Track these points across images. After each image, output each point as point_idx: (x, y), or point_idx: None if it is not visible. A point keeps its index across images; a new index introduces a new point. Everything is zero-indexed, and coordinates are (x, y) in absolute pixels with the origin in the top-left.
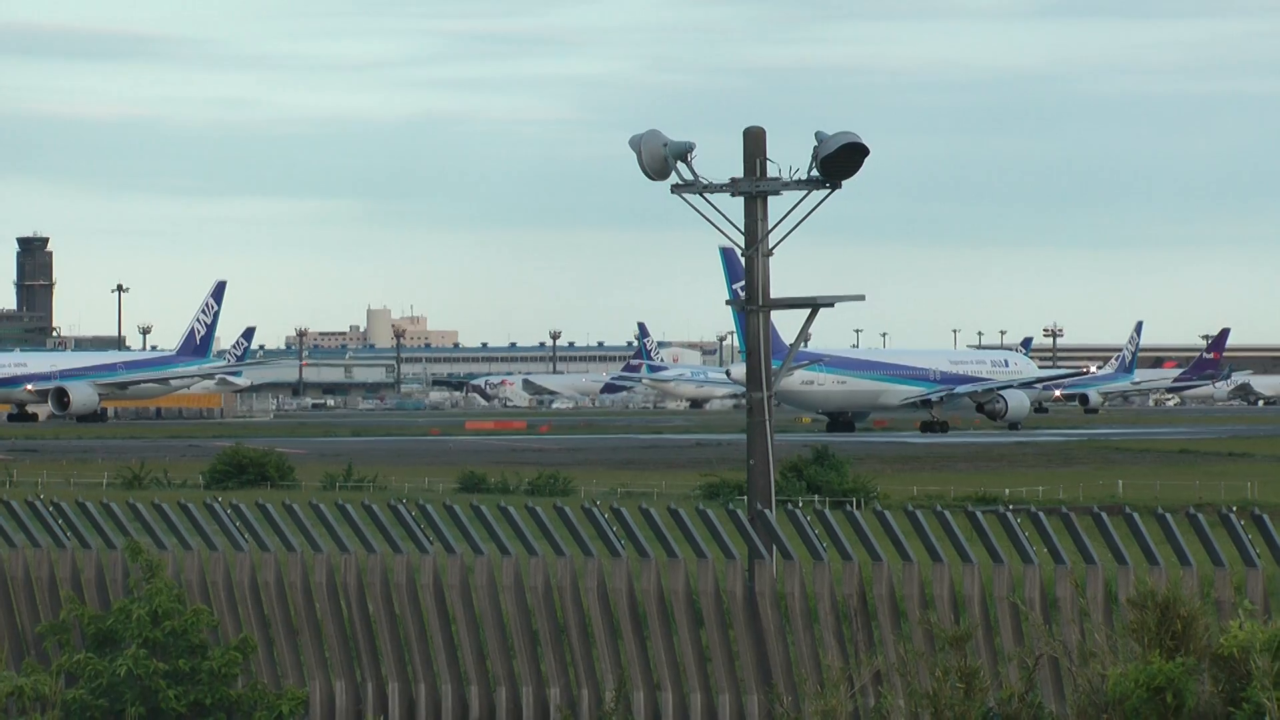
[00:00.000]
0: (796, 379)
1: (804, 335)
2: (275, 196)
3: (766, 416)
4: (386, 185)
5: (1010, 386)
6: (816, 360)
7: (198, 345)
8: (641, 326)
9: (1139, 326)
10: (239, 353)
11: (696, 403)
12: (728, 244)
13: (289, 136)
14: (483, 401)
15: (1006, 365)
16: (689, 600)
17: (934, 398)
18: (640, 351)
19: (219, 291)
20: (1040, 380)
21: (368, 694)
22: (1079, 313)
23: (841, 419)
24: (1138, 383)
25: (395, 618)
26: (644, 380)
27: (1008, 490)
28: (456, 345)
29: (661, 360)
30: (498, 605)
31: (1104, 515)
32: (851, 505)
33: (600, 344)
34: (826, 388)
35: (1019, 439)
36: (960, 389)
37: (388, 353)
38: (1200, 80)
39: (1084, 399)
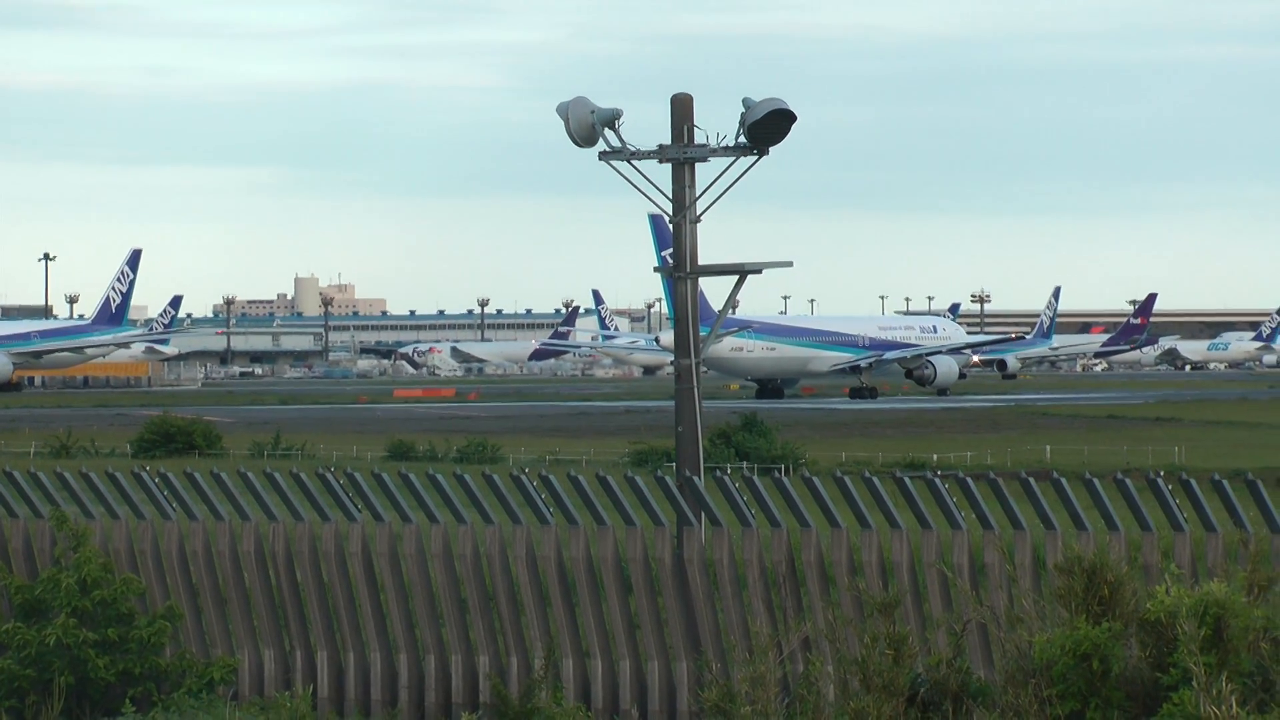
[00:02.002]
0: (725, 346)
1: (732, 302)
2: (204, 165)
3: (695, 383)
4: (315, 153)
5: (939, 352)
6: (745, 327)
7: (113, 314)
8: (595, 294)
9: (1057, 292)
10: (166, 321)
11: (649, 369)
12: (656, 211)
13: (217, 104)
14: (411, 369)
15: (935, 331)
16: (618, 567)
17: (863, 364)
18: (598, 320)
19: (134, 260)
20: (968, 346)
21: (296, 662)
22: (1007, 279)
23: (770, 385)
24: (1056, 348)
25: (324, 586)
26: (598, 348)
27: (936, 456)
28: (385, 313)
29: (608, 327)
30: (426, 573)
31: (1032, 480)
32: (780, 472)
33: (528, 311)
34: (755, 354)
35: (947, 405)
36: (889, 355)
37: (316, 321)
38: (1129, 47)
39: (1002, 365)
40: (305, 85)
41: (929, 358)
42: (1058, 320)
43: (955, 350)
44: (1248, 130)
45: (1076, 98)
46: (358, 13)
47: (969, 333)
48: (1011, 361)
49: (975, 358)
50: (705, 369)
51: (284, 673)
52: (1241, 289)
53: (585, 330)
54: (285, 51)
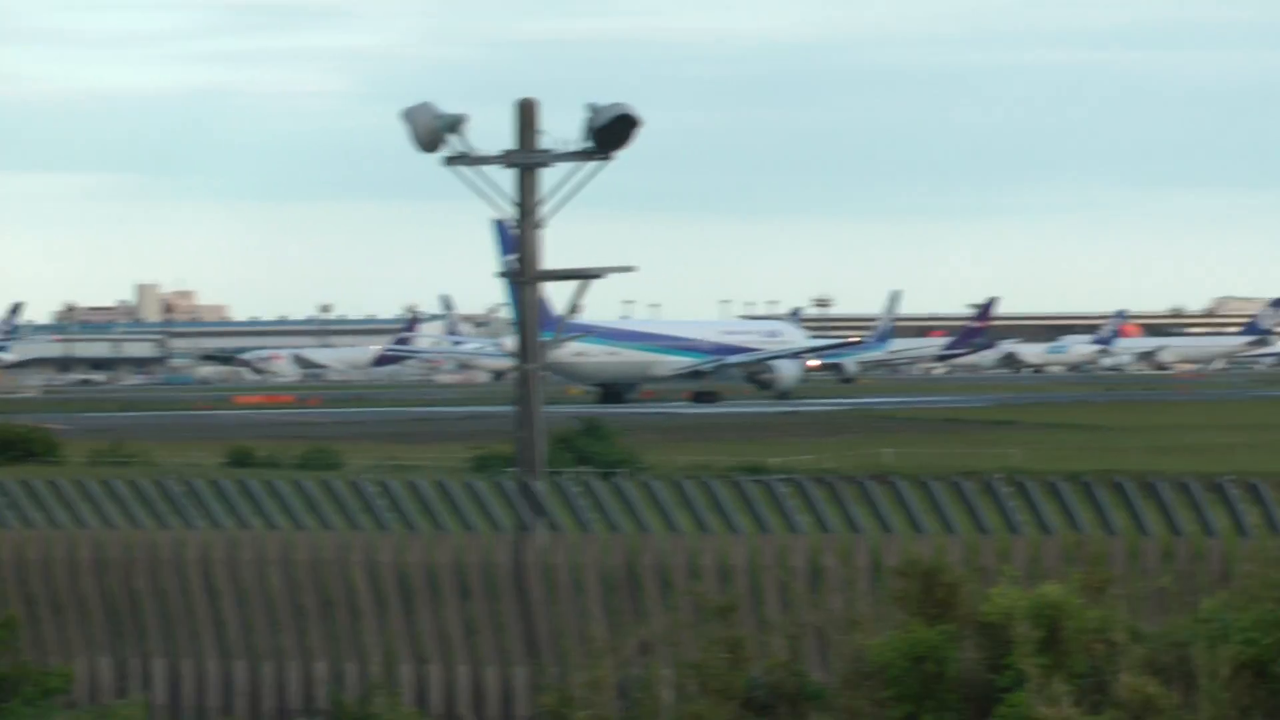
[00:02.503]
0: (568, 351)
1: (574, 307)
2: (45, 171)
3: (535, 388)
4: (158, 159)
5: (780, 357)
6: (588, 332)
7: None
8: (444, 299)
9: (895, 296)
10: (6, 328)
11: (498, 374)
12: (500, 216)
13: (58, 111)
14: (252, 376)
15: (777, 335)
16: (456, 573)
17: (705, 368)
18: (447, 325)
19: None
20: (809, 350)
21: (133, 670)
22: (850, 283)
23: (613, 390)
24: (894, 352)
25: (162, 594)
26: (445, 354)
27: (775, 460)
28: (226, 320)
29: (457, 333)
30: (264, 580)
31: (870, 484)
32: (620, 476)
33: (371, 317)
34: (598, 359)
35: (788, 409)
36: (731, 359)
37: (157, 327)
38: (971, 51)
39: (840, 368)
40: (147, 91)
41: (770, 362)
42: (899, 324)
43: (796, 354)
44: (1088, 134)
45: (919, 102)
46: (199, 19)
47: (810, 337)
48: (850, 365)
49: (814, 361)
50: (548, 374)
51: (120, 681)
52: (1081, 293)
53: (428, 336)
54: (127, 58)
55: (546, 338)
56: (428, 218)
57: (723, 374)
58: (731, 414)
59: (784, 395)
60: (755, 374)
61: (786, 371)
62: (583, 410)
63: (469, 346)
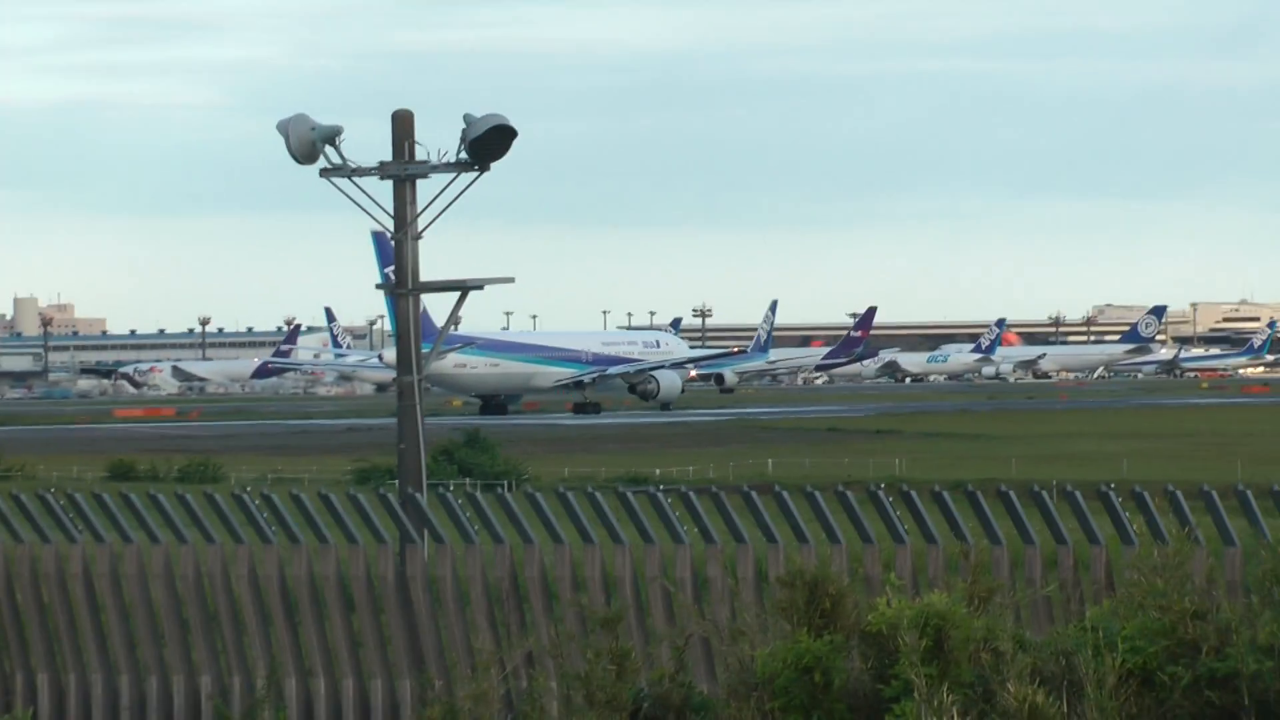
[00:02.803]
0: (449, 362)
1: (454, 318)
2: None
3: (417, 400)
4: (31, 173)
5: (662, 367)
6: (469, 343)
7: None
8: (328, 311)
9: (774, 305)
10: None
11: (382, 387)
12: (379, 228)
13: None
14: (132, 389)
15: (658, 346)
16: (340, 586)
17: (586, 379)
18: (330, 337)
19: None
20: (690, 360)
21: (17, 685)
22: (730, 292)
23: (494, 401)
24: (774, 362)
25: (44, 608)
26: (329, 366)
27: (659, 470)
28: (105, 333)
29: (341, 344)
30: (148, 594)
31: (754, 494)
32: (503, 488)
33: (250, 330)
34: (479, 370)
35: (670, 419)
36: (612, 370)
37: (35, 341)
38: (848, 60)
39: (719, 379)
40: (18, 104)
41: (652, 373)
42: (778, 334)
43: (678, 365)
44: (965, 143)
45: (794, 111)
46: (70, 31)
47: (692, 347)
48: (729, 375)
49: (693, 372)
50: (429, 386)
51: (5, 695)
52: (961, 301)
53: (308, 348)
54: None
55: (427, 349)
56: (307, 230)
57: (604, 385)
58: (614, 425)
59: (666, 406)
60: (637, 384)
61: (668, 382)
62: (465, 422)
63: (352, 359)
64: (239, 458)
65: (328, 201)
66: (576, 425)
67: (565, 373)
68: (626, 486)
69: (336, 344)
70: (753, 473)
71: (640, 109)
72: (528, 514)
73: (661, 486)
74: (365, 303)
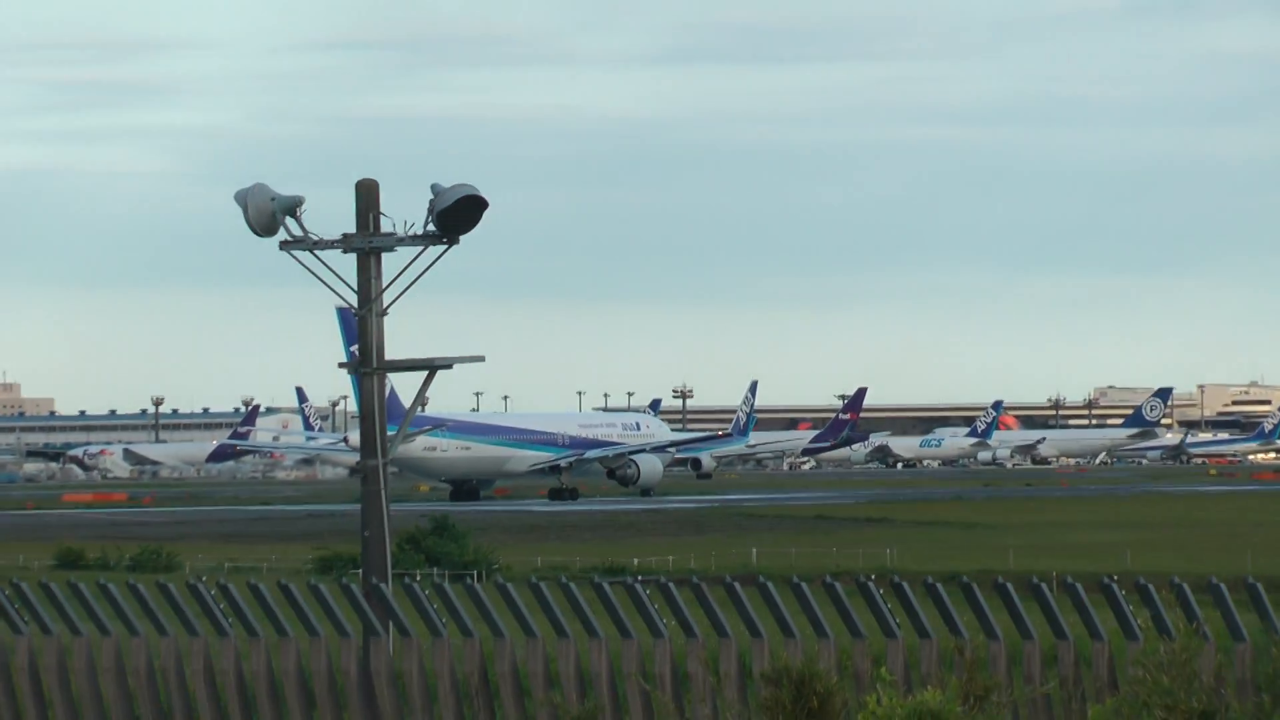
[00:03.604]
0: (418, 445)
1: (421, 398)
2: None
3: (382, 485)
4: None
5: (642, 450)
6: (439, 425)
7: None
8: (299, 391)
9: (753, 386)
10: None
11: (355, 470)
12: (343, 304)
13: None
14: (81, 473)
15: (638, 428)
16: (300, 681)
17: (563, 463)
18: (301, 419)
19: None
20: (673, 444)
21: None
22: (711, 373)
23: (466, 487)
24: (753, 445)
25: None
26: (294, 450)
27: (636, 560)
28: (53, 414)
29: (312, 427)
30: (97, 689)
31: (737, 585)
32: (472, 578)
33: (206, 410)
34: (450, 454)
35: (649, 506)
36: (590, 454)
37: None
38: (833, 128)
39: (696, 463)
40: None
41: (632, 456)
42: (764, 416)
43: (660, 448)
44: (958, 214)
45: (779, 181)
46: (19, 96)
47: (672, 430)
48: (706, 460)
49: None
50: (397, 469)
51: None
52: (956, 383)
53: (267, 429)
54: None
55: (394, 431)
56: (267, 306)
57: (581, 469)
58: (591, 511)
59: (647, 491)
60: (616, 469)
61: (649, 467)
62: (433, 508)
63: (322, 441)
64: (194, 545)
65: (289, 275)
66: (550, 511)
67: (541, 456)
68: (603, 577)
69: (308, 426)
70: (736, 563)
71: (616, 179)
72: (498, 606)
73: (640, 577)
74: (328, 382)
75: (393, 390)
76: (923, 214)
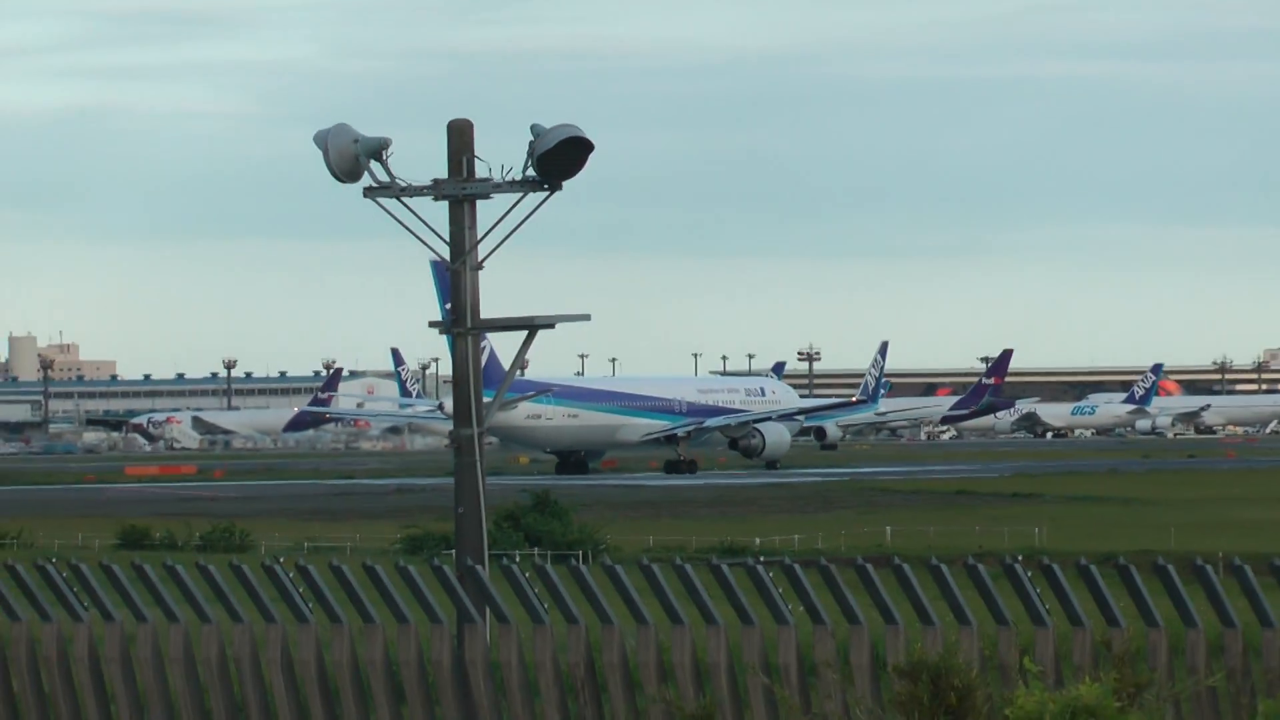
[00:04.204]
0: (521, 413)
1: (521, 360)
2: None
3: (477, 456)
4: (29, 192)
5: (768, 419)
6: (544, 390)
7: None
8: (395, 353)
9: (884, 348)
10: None
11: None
12: (437, 257)
13: None
14: (145, 443)
15: (763, 394)
16: (388, 671)
17: (680, 433)
18: (399, 381)
19: None
20: (802, 411)
21: None
22: (839, 333)
23: (573, 458)
24: (883, 413)
25: (44, 696)
26: (385, 418)
27: (759, 539)
28: (114, 378)
29: (410, 392)
30: (165, 680)
31: (869, 567)
32: (577, 559)
33: (283, 374)
34: (555, 422)
35: (771, 480)
36: (711, 422)
37: (34, 387)
38: (971, 63)
39: (820, 433)
40: (14, 112)
41: (756, 425)
42: (899, 381)
43: (787, 416)
44: (1110, 159)
45: (916, 122)
46: (73, 28)
47: (799, 395)
48: (831, 429)
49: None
50: (498, 440)
51: None
52: (1111, 344)
53: (350, 395)
54: None
55: (490, 397)
56: (350, 259)
57: (700, 439)
58: (709, 486)
59: (772, 464)
60: (739, 439)
61: (775, 436)
62: (535, 482)
63: (420, 408)
64: (270, 523)
65: (374, 226)
66: (664, 486)
67: (656, 425)
68: (721, 558)
69: (405, 391)
70: (868, 543)
71: (734, 120)
72: (606, 590)
73: (762, 558)
74: (420, 344)
75: (492, 352)
76: (1071, 158)
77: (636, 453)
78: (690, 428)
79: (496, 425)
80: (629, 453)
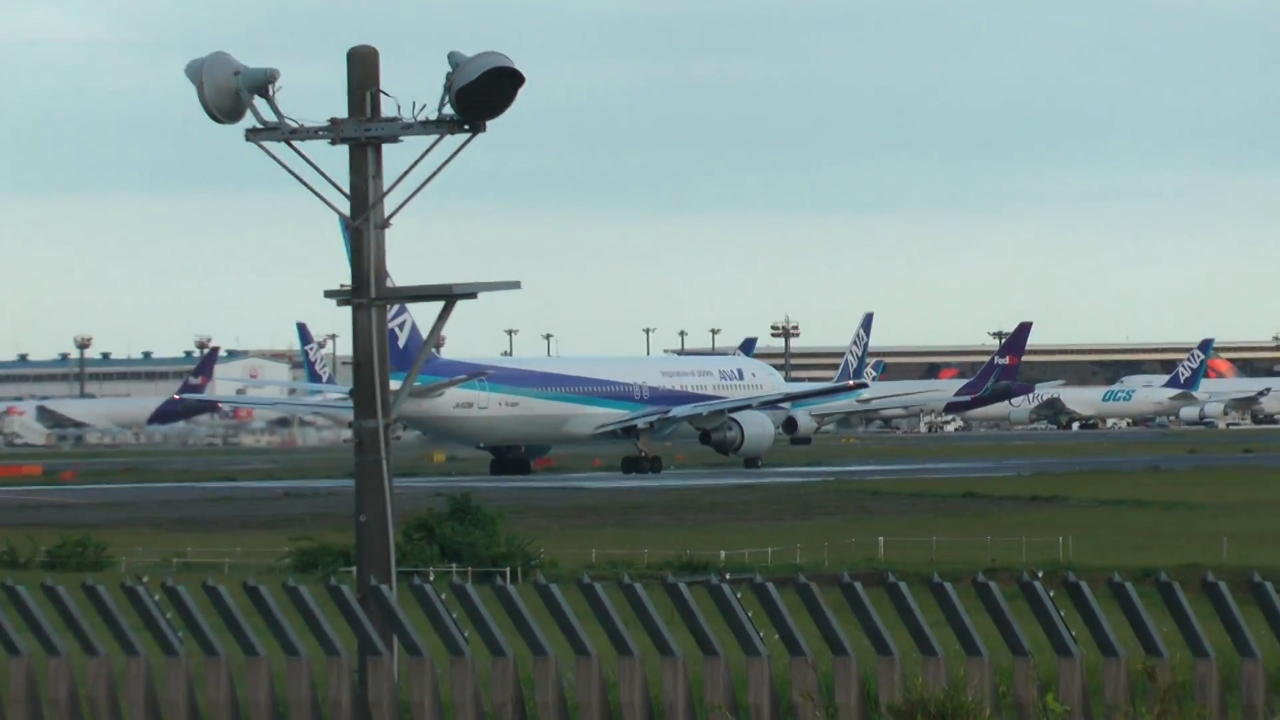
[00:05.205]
0: (449, 400)
1: (436, 337)
2: None
3: (383, 454)
4: None
5: (747, 407)
6: (478, 374)
7: None
8: (301, 329)
9: (867, 321)
10: None
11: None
12: (338, 212)
13: None
14: None
15: (740, 377)
16: (274, 712)
17: (641, 424)
18: (306, 362)
19: None
20: (789, 397)
21: None
22: (821, 305)
23: (511, 455)
24: (866, 400)
25: None
26: (282, 405)
27: (724, 553)
28: None
29: (320, 376)
30: None
31: (858, 586)
32: (504, 577)
33: (147, 355)
34: (491, 412)
35: (741, 481)
36: (678, 411)
37: None
38: None
39: (789, 424)
40: None
41: (734, 415)
42: (895, 360)
43: (771, 404)
44: (1143, 95)
45: (907, 51)
46: None
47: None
48: (804, 419)
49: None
50: (424, 434)
51: None
52: (1149, 316)
53: (229, 379)
54: None
55: (398, 380)
56: (229, 215)
57: (665, 431)
58: (665, 489)
59: (753, 461)
60: (712, 431)
61: (756, 428)
62: (455, 484)
63: (333, 395)
64: (132, 535)
65: (259, 176)
66: (615, 489)
67: (613, 414)
68: (680, 576)
69: (313, 375)
70: (857, 557)
71: (692, 48)
72: (539, 614)
73: (728, 576)
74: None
75: (414, 329)
76: (1098, 94)
77: (589, 448)
78: (653, 418)
79: (420, 416)
80: (580, 448)
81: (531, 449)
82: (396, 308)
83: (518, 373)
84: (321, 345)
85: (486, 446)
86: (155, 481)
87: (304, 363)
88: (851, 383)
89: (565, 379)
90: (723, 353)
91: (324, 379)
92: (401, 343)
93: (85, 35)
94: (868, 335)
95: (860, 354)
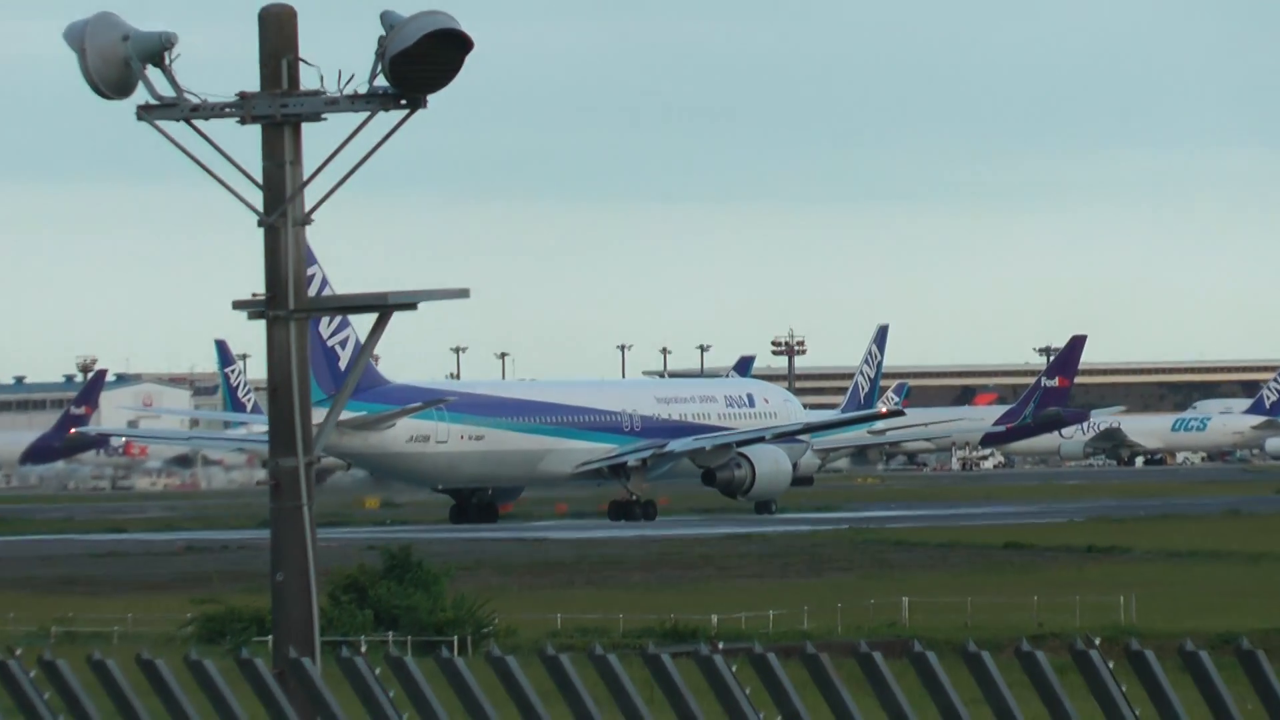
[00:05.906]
0: (401, 433)
1: (369, 353)
2: None
3: (304, 499)
4: None
5: (760, 439)
6: (435, 401)
7: None
8: (221, 346)
9: (881, 335)
10: None
11: (321, 476)
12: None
13: None
14: None
15: (751, 404)
16: None
17: (632, 460)
18: (226, 387)
19: None
20: (812, 428)
21: None
22: (831, 317)
23: (476, 499)
24: (880, 431)
25: None
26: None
27: (716, 618)
28: None
29: (244, 404)
30: None
31: (877, 656)
32: (451, 648)
33: (19, 380)
34: (452, 446)
35: (735, 530)
36: (677, 445)
37: None
38: None
39: None
40: None
41: (743, 449)
42: (921, 384)
43: (787, 436)
44: (1208, 65)
45: (927, 16)
46: None
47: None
48: (804, 456)
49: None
50: (372, 473)
51: None
52: (1221, 327)
53: (120, 408)
54: None
55: (323, 406)
56: (119, 209)
57: (660, 469)
58: (646, 539)
59: (765, 505)
60: (718, 469)
61: (770, 466)
62: (393, 534)
63: (259, 428)
64: (2, 598)
65: (154, 162)
66: (575, 540)
67: (597, 449)
68: (662, 645)
69: (235, 403)
70: (877, 621)
71: (676, 6)
72: (493, 692)
73: (721, 645)
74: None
75: (359, 346)
76: (1162, 53)
77: (567, 491)
78: (646, 453)
79: (366, 452)
80: (557, 491)
81: (500, 492)
82: (338, 323)
83: (483, 399)
84: (231, 367)
85: (446, 489)
86: (29, 533)
87: (223, 388)
88: (885, 409)
89: (540, 406)
90: (714, 374)
91: (248, 408)
92: (344, 363)
93: None
94: (882, 353)
95: (873, 375)
